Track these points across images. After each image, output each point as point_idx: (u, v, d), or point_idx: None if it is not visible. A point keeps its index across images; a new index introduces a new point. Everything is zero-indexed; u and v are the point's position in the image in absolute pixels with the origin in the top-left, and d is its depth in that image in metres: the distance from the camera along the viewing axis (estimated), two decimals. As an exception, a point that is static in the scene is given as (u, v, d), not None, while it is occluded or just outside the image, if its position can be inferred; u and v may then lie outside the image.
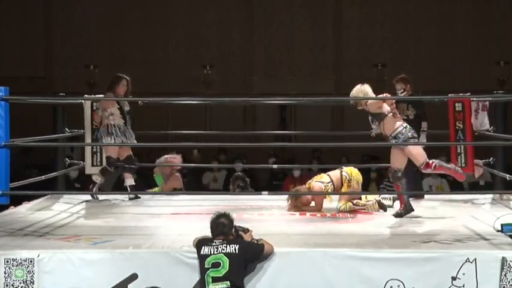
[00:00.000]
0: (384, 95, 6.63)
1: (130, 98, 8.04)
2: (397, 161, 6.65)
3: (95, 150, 8.31)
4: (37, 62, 17.63)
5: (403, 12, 17.64)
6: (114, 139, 7.78)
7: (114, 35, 17.57)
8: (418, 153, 6.57)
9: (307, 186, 7.24)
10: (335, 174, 7.27)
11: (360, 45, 17.69)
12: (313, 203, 7.26)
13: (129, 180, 8.12)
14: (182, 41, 17.74)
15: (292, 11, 17.80)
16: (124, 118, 7.87)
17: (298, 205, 7.19)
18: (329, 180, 7.19)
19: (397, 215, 6.74)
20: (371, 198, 7.22)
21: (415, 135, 6.64)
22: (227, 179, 13.36)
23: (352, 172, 7.27)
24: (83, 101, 8.13)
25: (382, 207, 7.09)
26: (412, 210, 6.68)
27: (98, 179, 8.06)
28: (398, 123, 6.57)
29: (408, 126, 6.62)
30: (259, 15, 17.86)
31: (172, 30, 17.69)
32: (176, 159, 9.01)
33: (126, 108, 7.93)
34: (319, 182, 7.18)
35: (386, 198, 7.35)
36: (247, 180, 8.96)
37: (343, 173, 7.25)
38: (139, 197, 8.09)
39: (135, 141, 8.01)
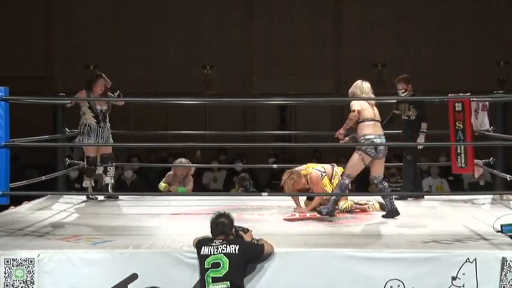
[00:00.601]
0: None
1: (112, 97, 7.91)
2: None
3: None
4: (37, 62, 17.62)
5: (403, 12, 17.64)
6: (87, 139, 7.77)
7: (114, 35, 17.57)
8: (353, 163, 6.70)
9: (303, 173, 7.19)
10: (327, 167, 7.30)
11: (360, 45, 17.68)
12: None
13: (106, 179, 8.10)
14: (182, 41, 17.73)
15: (292, 11, 17.79)
16: (96, 117, 7.84)
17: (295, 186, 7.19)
18: (324, 170, 7.22)
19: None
20: (372, 198, 7.24)
21: (366, 151, 6.65)
22: (227, 179, 13.37)
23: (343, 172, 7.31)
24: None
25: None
26: (396, 214, 6.73)
27: (86, 183, 8.06)
28: (362, 138, 6.67)
29: (373, 139, 6.64)
30: (259, 15, 17.85)
31: (172, 30, 17.69)
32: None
33: (103, 107, 7.85)
34: (316, 169, 7.18)
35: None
36: (251, 182, 8.96)
37: (335, 169, 7.29)
38: (117, 197, 8.06)
39: (110, 141, 7.96)
